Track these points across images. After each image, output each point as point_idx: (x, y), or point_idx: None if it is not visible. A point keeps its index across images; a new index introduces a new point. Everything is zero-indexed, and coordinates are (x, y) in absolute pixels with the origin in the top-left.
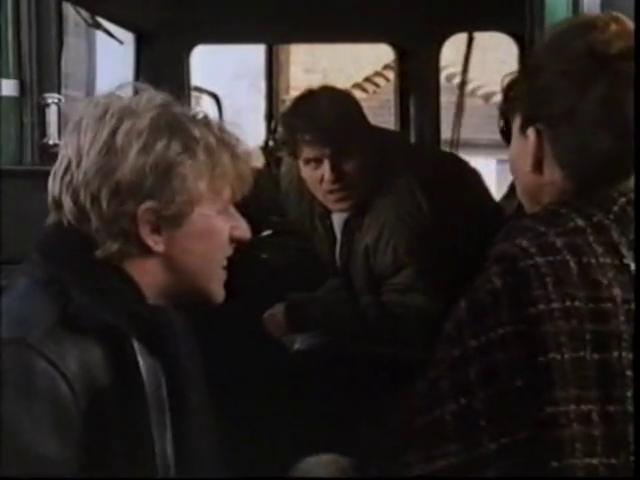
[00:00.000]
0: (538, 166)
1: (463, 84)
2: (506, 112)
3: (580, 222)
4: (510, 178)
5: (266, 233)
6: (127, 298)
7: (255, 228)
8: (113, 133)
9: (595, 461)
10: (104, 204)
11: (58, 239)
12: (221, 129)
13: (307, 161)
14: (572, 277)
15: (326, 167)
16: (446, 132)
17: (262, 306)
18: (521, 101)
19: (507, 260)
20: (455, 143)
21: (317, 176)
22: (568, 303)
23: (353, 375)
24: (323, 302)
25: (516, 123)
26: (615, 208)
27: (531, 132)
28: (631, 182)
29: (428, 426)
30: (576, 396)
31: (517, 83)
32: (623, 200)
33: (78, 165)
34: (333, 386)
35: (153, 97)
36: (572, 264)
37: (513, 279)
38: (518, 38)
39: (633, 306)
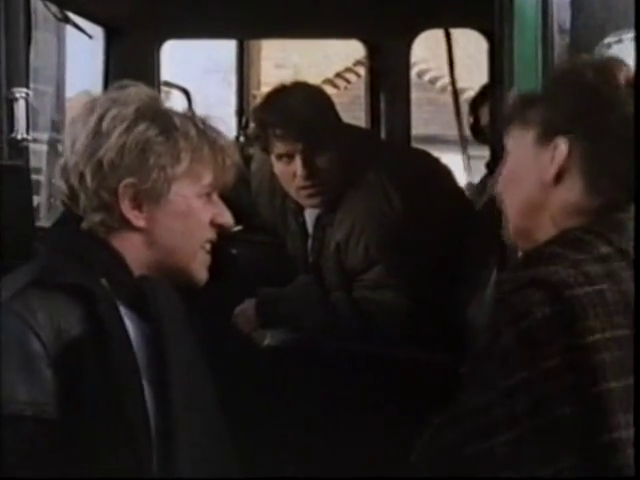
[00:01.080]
0: (559, 178)
1: (454, 83)
2: (507, 121)
3: (605, 249)
4: (480, 174)
5: (236, 229)
6: (108, 264)
7: None
8: (100, 119)
9: None
10: (88, 180)
11: (55, 222)
12: (204, 123)
13: (279, 156)
14: (616, 305)
15: (298, 162)
16: (417, 128)
17: (232, 302)
18: (546, 112)
19: (554, 288)
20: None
21: (289, 172)
22: (617, 332)
23: (324, 371)
24: (294, 298)
25: (528, 133)
26: (628, 233)
27: (563, 142)
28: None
29: (481, 455)
30: (626, 422)
31: (532, 94)
32: (631, 224)
33: (72, 151)
34: (304, 382)
35: (141, 91)
36: (614, 292)
37: (564, 307)
38: (487, 35)
39: None
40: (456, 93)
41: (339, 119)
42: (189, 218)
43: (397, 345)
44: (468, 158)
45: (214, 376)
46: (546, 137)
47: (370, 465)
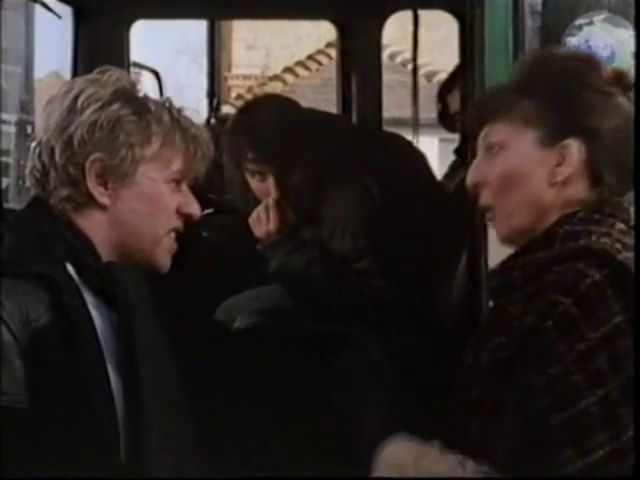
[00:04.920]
0: (567, 179)
1: (415, 65)
2: (492, 113)
3: (622, 226)
4: (451, 157)
5: (207, 212)
6: (75, 248)
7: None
8: (76, 97)
9: None
10: (57, 155)
11: (26, 205)
12: (179, 112)
13: (252, 174)
14: None
15: (271, 183)
16: (388, 110)
17: (202, 285)
18: (550, 111)
19: (598, 254)
20: (415, 123)
21: (264, 189)
22: None
23: (294, 354)
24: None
25: (528, 133)
26: (632, 216)
27: (575, 145)
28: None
29: (572, 421)
30: None
31: (520, 84)
32: (632, 209)
33: (45, 128)
34: (274, 364)
35: (121, 76)
36: None
37: (612, 271)
38: (459, 16)
39: None
40: (415, 75)
41: (310, 129)
42: (154, 202)
43: (366, 327)
44: (417, 140)
45: (184, 361)
46: (552, 138)
47: (340, 449)
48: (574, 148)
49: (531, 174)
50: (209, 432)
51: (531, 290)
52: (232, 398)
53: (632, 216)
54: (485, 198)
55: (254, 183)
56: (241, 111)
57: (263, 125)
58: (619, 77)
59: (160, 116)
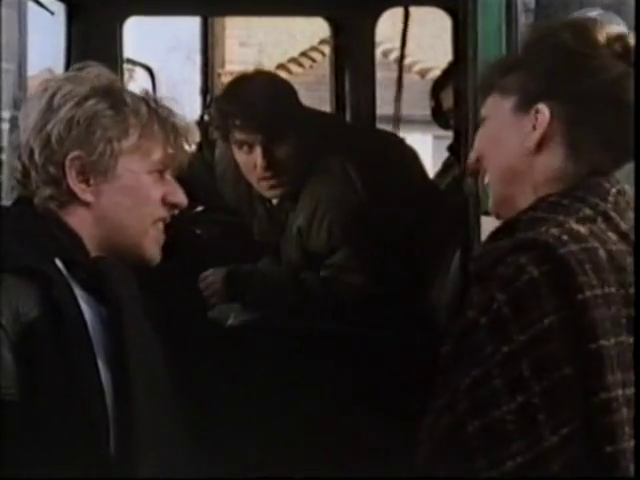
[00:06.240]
0: (541, 145)
1: (402, 59)
2: (484, 90)
3: (588, 211)
4: (445, 154)
5: (199, 209)
6: (64, 244)
7: (188, 204)
8: (52, 96)
9: (632, 444)
10: (37, 154)
11: (13, 202)
12: (157, 102)
13: (240, 145)
14: (604, 264)
15: (258, 153)
16: (382, 108)
17: (194, 281)
18: (523, 78)
19: (541, 248)
20: (396, 119)
21: (250, 162)
22: (606, 289)
23: (288, 351)
24: (263, 274)
25: (506, 101)
26: (610, 198)
27: (545, 108)
28: (618, 174)
29: (488, 428)
30: (622, 380)
31: (508, 60)
32: (614, 190)
33: (24, 128)
34: (267, 362)
35: (99, 72)
36: (601, 251)
37: (552, 266)
38: (452, 13)
39: None
40: (401, 70)
41: (301, 107)
42: (138, 194)
43: (361, 325)
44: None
45: (175, 357)
46: (526, 104)
47: (329, 444)
48: (544, 112)
49: (507, 140)
50: (198, 427)
51: (489, 281)
52: (222, 394)
53: (609, 198)
54: (482, 174)
55: (241, 157)
56: (232, 82)
57: (253, 94)
58: (613, 40)
59: (137, 108)
